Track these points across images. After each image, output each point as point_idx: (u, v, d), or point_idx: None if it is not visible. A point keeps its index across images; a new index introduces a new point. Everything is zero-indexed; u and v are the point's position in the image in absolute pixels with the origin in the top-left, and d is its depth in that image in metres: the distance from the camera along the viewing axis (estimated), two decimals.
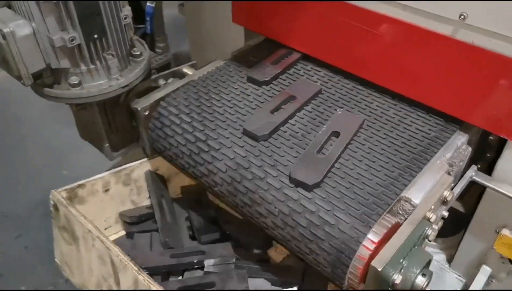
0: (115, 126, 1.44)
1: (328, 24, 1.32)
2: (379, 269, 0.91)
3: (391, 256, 0.93)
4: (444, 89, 1.17)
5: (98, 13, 1.16)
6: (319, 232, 0.98)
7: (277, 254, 1.50)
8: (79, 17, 1.13)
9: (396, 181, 1.06)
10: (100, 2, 1.15)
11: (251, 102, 1.29)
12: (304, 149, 1.14)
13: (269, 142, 1.17)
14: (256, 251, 1.41)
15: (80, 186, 1.34)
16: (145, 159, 1.48)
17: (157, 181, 1.51)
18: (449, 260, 1.49)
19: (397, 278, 0.91)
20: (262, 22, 1.49)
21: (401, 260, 0.94)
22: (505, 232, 1.25)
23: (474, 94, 1.13)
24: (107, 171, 1.43)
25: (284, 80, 1.39)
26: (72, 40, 1.15)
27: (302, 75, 1.41)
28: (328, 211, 1.00)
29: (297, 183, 1.05)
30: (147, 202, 1.55)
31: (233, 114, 1.25)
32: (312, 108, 1.29)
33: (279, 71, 1.39)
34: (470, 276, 1.43)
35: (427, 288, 0.96)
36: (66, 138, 2.53)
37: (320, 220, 0.99)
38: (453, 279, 1.48)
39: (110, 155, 1.47)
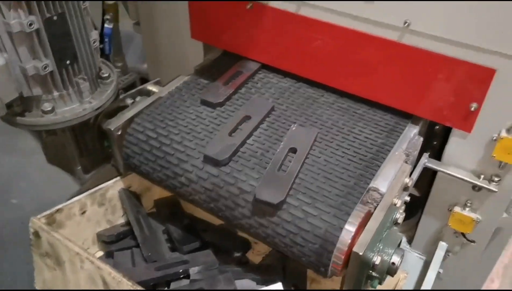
0: (86, 148, 1.46)
1: (284, 34, 1.42)
2: (361, 253, 1.02)
3: (369, 241, 1.04)
4: (395, 87, 1.31)
5: (69, 40, 1.20)
6: (303, 225, 1.08)
7: (254, 255, 1.58)
8: (51, 44, 1.16)
9: (365, 172, 1.18)
10: (71, 28, 1.18)
11: (208, 125, 1.33)
12: (265, 168, 1.19)
13: (230, 166, 1.21)
14: (236, 254, 1.48)
15: (58, 210, 1.35)
16: (118, 178, 1.52)
17: (132, 198, 1.54)
18: (410, 241, 1.64)
19: (377, 259, 1.03)
20: (220, 37, 1.58)
21: (377, 244, 1.06)
22: (456, 209, 1.40)
23: (421, 90, 1.28)
24: (80, 193, 1.45)
25: (237, 100, 1.43)
26: (45, 67, 1.18)
27: (254, 94, 1.46)
28: (309, 204, 1.10)
29: (264, 204, 1.11)
30: (122, 220, 1.58)
31: (191, 141, 1.29)
32: (267, 126, 1.34)
33: (231, 91, 1.43)
34: (429, 253, 1.58)
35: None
36: (9, 167, 2.47)
37: (304, 213, 1.09)
38: (415, 258, 1.63)
39: (82, 177, 1.50)
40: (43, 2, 1.10)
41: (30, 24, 1.10)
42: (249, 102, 1.41)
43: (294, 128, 1.31)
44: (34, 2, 1.09)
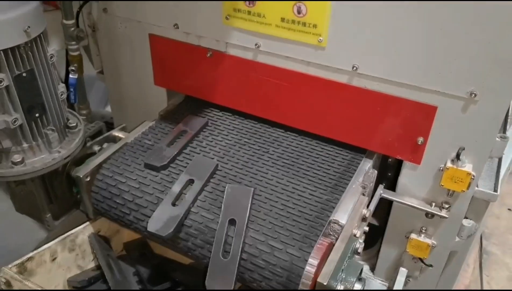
0: (55, 195, 1.48)
1: (243, 78, 1.52)
2: (325, 283, 1.08)
3: (332, 271, 1.11)
4: (349, 125, 1.42)
5: (38, 94, 1.24)
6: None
7: None
8: (21, 99, 1.20)
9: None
10: (40, 83, 1.23)
11: (152, 194, 1.32)
12: (211, 244, 1.20)
13: (172, 241, 1.24)
14: None
15: (29, 259, 1.37)
16: (87, 223, 1.54)
17: (102, 242, 1.57)
18: (372, 269, 1.72)
19: (340, 287, 1.10)
20: (182, 83, 1.66)
21: (340, 273, 1.13)
22: (413, 236, 1.50)
23: (372, 127, 1.38)
24: (50, 240, 1.46)
25: (182, 160, 1.42)
26: (15, 121, 1.21)
27: (199, 153, 1.46)
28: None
29: None
30: (92, 264, 1.60)
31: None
32: (212, 187, 1.33)
33: (176, 152, 1.42)
34: (391, 279, 1.66)
35: None
36: None
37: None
38: (378, 284, 1.71)
39: (52, 224, 1.51)
40: (12, 60, 1.15)
41: (0, 82, 1.14)
42: (192, 163, 1.39)
43: (229, 190, 1.28)
44: (4, 60, 1.13)
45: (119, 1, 1.61)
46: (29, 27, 1.15)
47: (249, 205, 1.24)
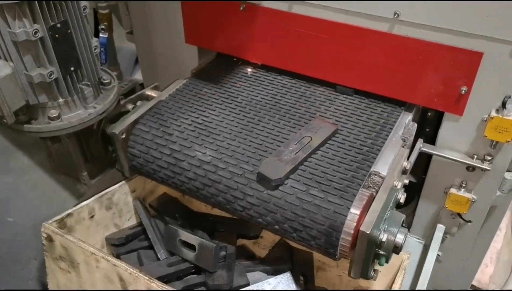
0: (91, 154, 1.49)
1: (278, 32, 1.48)
2: (368, 232, 1.07)
3: (374, 220, 1.09)
4: (388, 77, 1.37)
5: (73, 47, 1.23)
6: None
7: (260, 249, 1.62)
8: (56, 52, 1.19)
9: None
10: (74, 35, 1.22)
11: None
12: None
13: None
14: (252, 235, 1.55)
15: (68, 215, 1.38)
16: (123, 182, 1.55)
17: (144, 205, 1.58)
18: (408, 227, 1.70)
19: (383, 237, 1.08)
20: (214, 40, 1.63)
21: (382, 223, 1.11)
22: (452, 190, 1.46)
23: (412, 78, 1.34)
24: (87, 198, 1.48)
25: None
26: (51, 75, 1.21)
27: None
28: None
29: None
30: (128, 224, 1.61)
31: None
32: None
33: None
34: (427, 237, 1.64)
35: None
36: (3, 187, 2.48)
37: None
38: (414, 242, 1.69)
39: (88, 183, 1.52)
40: (47, 10, 1.14)
41: (35, 33, 1.14)
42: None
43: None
44: (38, 10, 1.12)
45: None
46: None
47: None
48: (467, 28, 1.19)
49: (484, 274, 2.43)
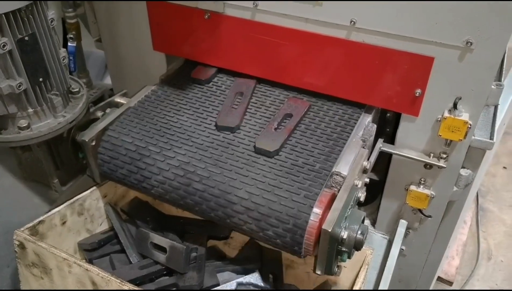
0: (61, 161, 1.52)
1: (242, 39, 1.53)
2: (329, 230, 1.13)
3: (336, 218, 1.15)
4: (348, 81, 1.44)
5: (41, 58, 1.26)
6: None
7: (230, 249, 1.67)
8: (24, 63, 1.22)
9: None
10: (42, 46, 1.25)
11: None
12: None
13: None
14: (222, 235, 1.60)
15: (40, 222, 1.40)
16: (94, 187, 1.58)
17: (115, 210, 1.60)
18: (373, 223, 1.77)
19: (344, 234, 1.14)
20: (181, 47, 1.67)
21: (343, 221, 1.17)
22: (412, 187, 1.54)
23: (370, 81, 1.41)
24: (58, 205, 1.50)
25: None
26: (20, 86, 1.23)
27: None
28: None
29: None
30: (100, 228, 1.64)
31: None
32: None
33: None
34: (391, 232, 1.72)
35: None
36: None
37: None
38: (379, 238, 1.76)
39: (59, 190, 1.55)
40: (14, 24, 1.16)
41: (4, 46, 1.16)
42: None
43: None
44: (6, 24, 1.15)
45: None
46: None
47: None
48: (418, 34, 1.26)
49: (451, 266, 2.54)
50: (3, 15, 1.14)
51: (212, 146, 1.36)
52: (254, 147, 1.33)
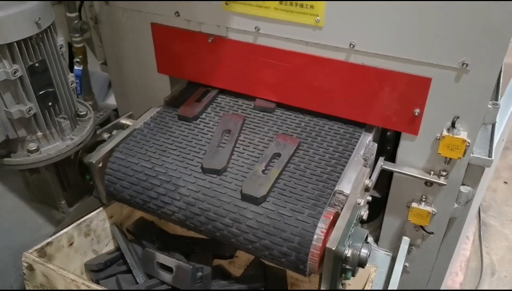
0: (68, 183, 1.55)
1: (244, 62, 1.57)
2: (333, 248, 1.15)
3: (339, 237, 1.18)
4: (348, 101, 1.48)
5: (50, 83, 1.30)
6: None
7: (236, 268, 1.69)
8: (34, 89, 1.26)
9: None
10: (51, 72, 1.29)
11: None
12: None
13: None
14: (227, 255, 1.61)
15: (48, 244, 1.43)
16: (101, 208, 1.60)
17: (121, 230, 1.63)
18: (376, 240, 1.79)
19: (348, 252, 1.16)
20: (185, 69, 1.71)
21: (347, 239, 1.19)
22: (413, 204, 1.56)
23: (370, 102, 1.45)
24: (65, 226, 1.52)
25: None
26: (29, 110, 1.27)
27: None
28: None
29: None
30: (106, 249, 1.66)
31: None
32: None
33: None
34: (394, 249, 1.74)
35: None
36: None
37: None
38: (382, 255, 1.78)
39: (66, 211, 1.57)
40: (25, 51, 1.20)
41: (15, 72, 1.20)
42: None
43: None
44: (18, 52, 1.19)
45: None
46: (39, 18, 1.21)
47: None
48: (415, 56, 1.30)
49: (455, 282, 2.55)
50: (15, 43, 1.18)
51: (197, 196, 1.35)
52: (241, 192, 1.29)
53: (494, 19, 1.16)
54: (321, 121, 1.56)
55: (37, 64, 1.24)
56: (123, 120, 1.65)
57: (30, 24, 1.19)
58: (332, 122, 1.56)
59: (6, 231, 2.05)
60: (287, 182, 1.32)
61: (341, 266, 1.18)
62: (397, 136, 1.54)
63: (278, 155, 1.40)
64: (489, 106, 1.32)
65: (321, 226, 1.20)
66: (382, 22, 1.29)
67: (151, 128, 1.55)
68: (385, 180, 1.66)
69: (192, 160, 1.41)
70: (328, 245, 1.16)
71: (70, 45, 1.82)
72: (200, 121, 1.59)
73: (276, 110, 1.63)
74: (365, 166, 1.42)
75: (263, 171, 1.34)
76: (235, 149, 1.46)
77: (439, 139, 1.39)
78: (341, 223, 1.21)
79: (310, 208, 1.23)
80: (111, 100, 2.51)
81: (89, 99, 1.91)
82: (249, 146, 1.47)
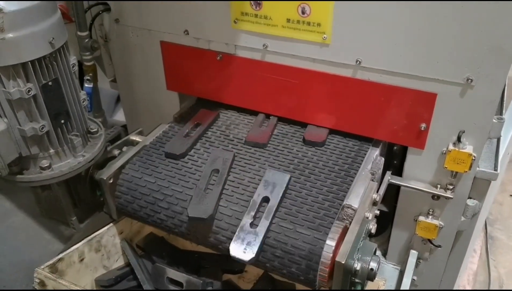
0: (79, 199, 1.56)
1: (253, 79, 1.60)
2: (343, 262, 1.16)
3: (348, 251, 1.19)
4: (355, 117, 1.50)
5: (63, 101, 1.32)
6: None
7: (245, 283, 1.70)
8: (48, 107, 1.28)
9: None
10: (64, 91, 1.31)
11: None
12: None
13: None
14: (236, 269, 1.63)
15: (59, 260, 1.44)
16: (111, 224, 1.62)
17: (131, 246, 1.64)
18: (384, 254, 1.80)
19: (357, 266, 1.18)
20: (194, 86, 1.74)
21: (356, 253, 1.21)
22: (421, 218, 1.58)
23: (377, 117, 1.47)
24: (75, 242, 1.54)
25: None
26: (42, 128, 1.29)
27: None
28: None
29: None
30: (116, 264, 1.68)
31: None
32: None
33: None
34: (402, 263, 1.74)
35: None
36: None
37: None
38: (390, 268, 1.78)
39: (77, 227, 1.59)
40: (39, 70, 1.23)
41: (29, 91, 1.22)
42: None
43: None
44: (32, 71, 1.21)
45: (130, 11, 1.70)
46: (53, 38, 1.23)
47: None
48: (421, 72, 1.33)
49: None
50: (29, 62, 1.20)
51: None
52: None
53: (498, 36, 1.19)
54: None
55: (50, 83, 1.26)
56: (133, 137, 1.68)
57: (44, 43, 1.22)
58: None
59: (15, 247, 2.07)
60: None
61: (350, 279, 1.19)
62: (403, 150, 1.56)
63: (267, 199, 1.31)
64: (494, 120, 1.34)
65: (330, 240, 1.21)
66: (388, 39, 1.32)
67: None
68: (392, 194, 1.67)
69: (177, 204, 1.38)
70: (337, 259, 1.17)
71: (80, 63, 1.85)
72: (188, 159, 1.51)
73: (269, 145, 1.58)
74: (372, 180, 1.44)
75: (251, 224, 1.26)
76: (224, 190, 1.38)
77: (445, 153, 1.41)
78: (350, 237, 1.23)
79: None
80: (118, 116, 2.54)
81: (99, 116, 1.94)
82: (238, 187, 1.39)
